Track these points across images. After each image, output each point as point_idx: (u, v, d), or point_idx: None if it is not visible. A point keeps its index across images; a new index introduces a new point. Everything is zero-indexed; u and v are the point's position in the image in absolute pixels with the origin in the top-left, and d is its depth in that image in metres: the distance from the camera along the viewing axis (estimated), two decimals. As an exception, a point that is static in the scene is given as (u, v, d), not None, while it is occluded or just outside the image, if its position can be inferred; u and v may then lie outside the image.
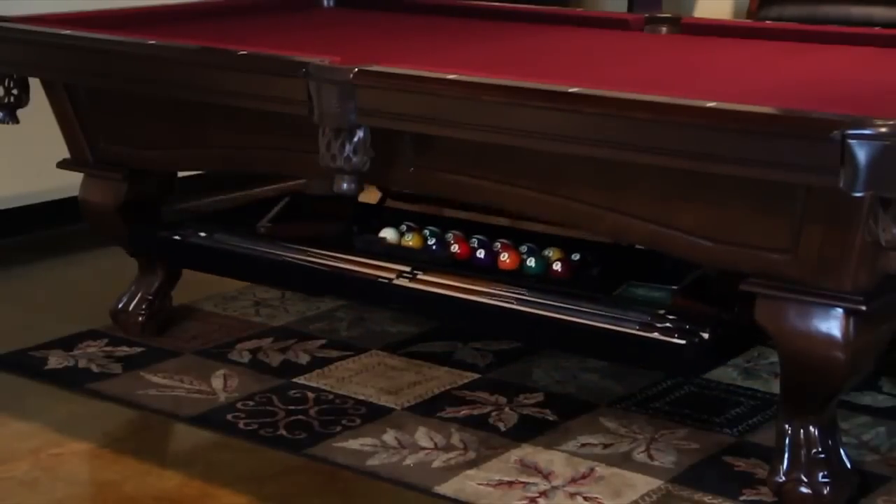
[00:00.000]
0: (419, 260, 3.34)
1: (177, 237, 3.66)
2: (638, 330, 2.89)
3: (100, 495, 2.99)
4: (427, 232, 3.49)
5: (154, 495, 2.94)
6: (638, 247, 3.40)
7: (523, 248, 3.34)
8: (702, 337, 2.83)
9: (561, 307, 3.03)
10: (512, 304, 3.09)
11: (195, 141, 3.53)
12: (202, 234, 3.64)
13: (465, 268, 3.30)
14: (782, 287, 2.64)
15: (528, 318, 3.04)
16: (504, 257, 3.32)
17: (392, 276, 3.27)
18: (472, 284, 3.18)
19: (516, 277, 3.23)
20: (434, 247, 3.42)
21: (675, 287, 3.10)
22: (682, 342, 2.82)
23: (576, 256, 3.31)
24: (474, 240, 3.42)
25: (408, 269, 3.29)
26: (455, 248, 3.38)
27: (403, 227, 3.53)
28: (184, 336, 3.83)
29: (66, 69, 3.53)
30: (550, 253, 3.31)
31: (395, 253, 3.41)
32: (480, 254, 3.36)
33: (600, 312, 2.98)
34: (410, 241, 3.44)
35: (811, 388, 2.69)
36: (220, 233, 3.63)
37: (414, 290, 3.22)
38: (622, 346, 2.91)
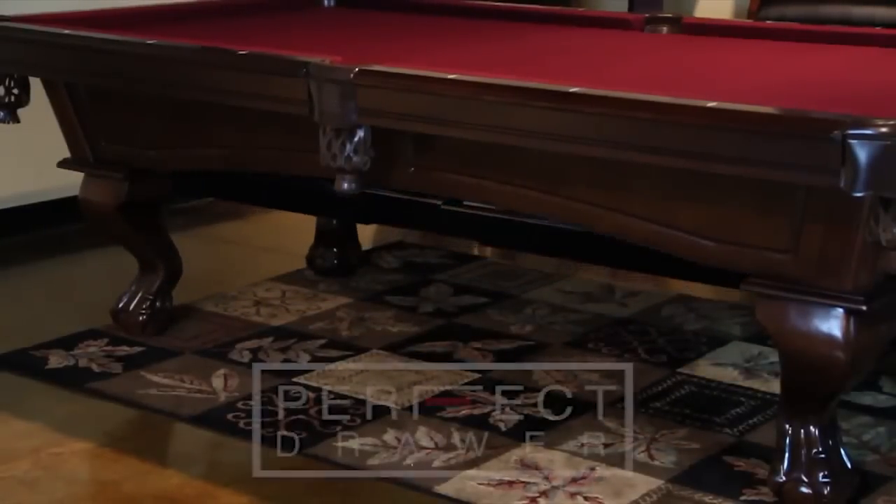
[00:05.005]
0: None
1: None
2: None
3: (100, 495, 2.99)
4: None
5: (154, 495, 2.94)
6: None
7: None
8: None
9: None
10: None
11: (196, 141, 3.52)
12: None
13: None
14: (783, 287, 2.64)
15: (580, 235, 3.04)
16: None
17: (439, 201, 3.30)
18: None
19: None
20: None
21: None
22: None
23: None
24: None
25: None
26: None
27: None
28: (184, 336, 3.82)
29: (66, 69, 3.53)
30: None
31: None
32: None
33: None
34: None
35: (811, 388, 2.69)
36: None
37: (463, 213, 3.25)
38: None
